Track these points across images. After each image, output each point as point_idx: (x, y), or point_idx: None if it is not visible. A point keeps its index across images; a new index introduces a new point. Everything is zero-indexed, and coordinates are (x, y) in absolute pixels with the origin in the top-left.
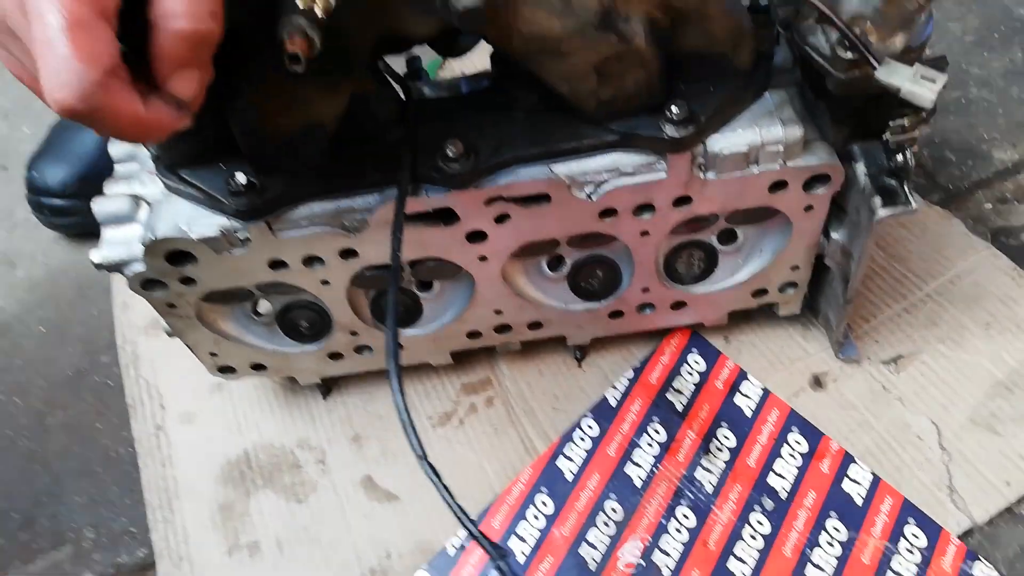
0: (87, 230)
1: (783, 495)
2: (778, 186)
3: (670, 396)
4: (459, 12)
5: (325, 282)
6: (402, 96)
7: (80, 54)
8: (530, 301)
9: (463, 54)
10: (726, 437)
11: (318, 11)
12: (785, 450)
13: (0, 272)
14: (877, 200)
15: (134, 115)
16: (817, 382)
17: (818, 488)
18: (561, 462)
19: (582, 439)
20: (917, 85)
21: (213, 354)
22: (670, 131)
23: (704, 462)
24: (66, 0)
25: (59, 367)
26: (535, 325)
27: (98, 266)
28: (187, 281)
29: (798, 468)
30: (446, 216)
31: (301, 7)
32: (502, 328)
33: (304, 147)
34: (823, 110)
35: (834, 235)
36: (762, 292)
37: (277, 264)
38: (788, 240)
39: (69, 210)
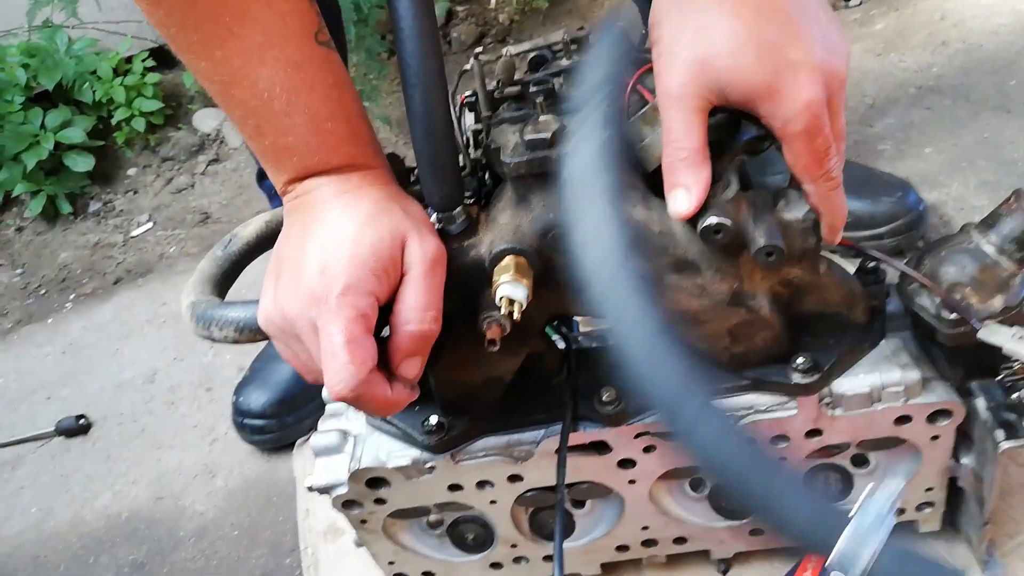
0: (279, 444)
1: None
2: (903, 420)
3: None
4: None
5: (493, 501)
6: (562, 348)
7: (354, 361)
8: (675, 518)
9: None
10: None
11: (516, 315)
12: None
13: (201, 481)
14: (1000, 433)
15: (384, 398)
16: None
17: None
18: None
19: None
20: (1018, 344)
21: (391, 563)
22: (797, 378)
23: None
24: (346, 323)
25: (248, 568)
26: (680, 540)
27: (310, 488)
28: (380, 501)
29: None
30: (600, 447)
31: (503, 312)
32: (649, 542)
33: (485, 395)
34: (938, 353)
35: (964, 460)
36: (900, 511)
37: (455, 487)
38: (919, 465)
39: (266, 428)
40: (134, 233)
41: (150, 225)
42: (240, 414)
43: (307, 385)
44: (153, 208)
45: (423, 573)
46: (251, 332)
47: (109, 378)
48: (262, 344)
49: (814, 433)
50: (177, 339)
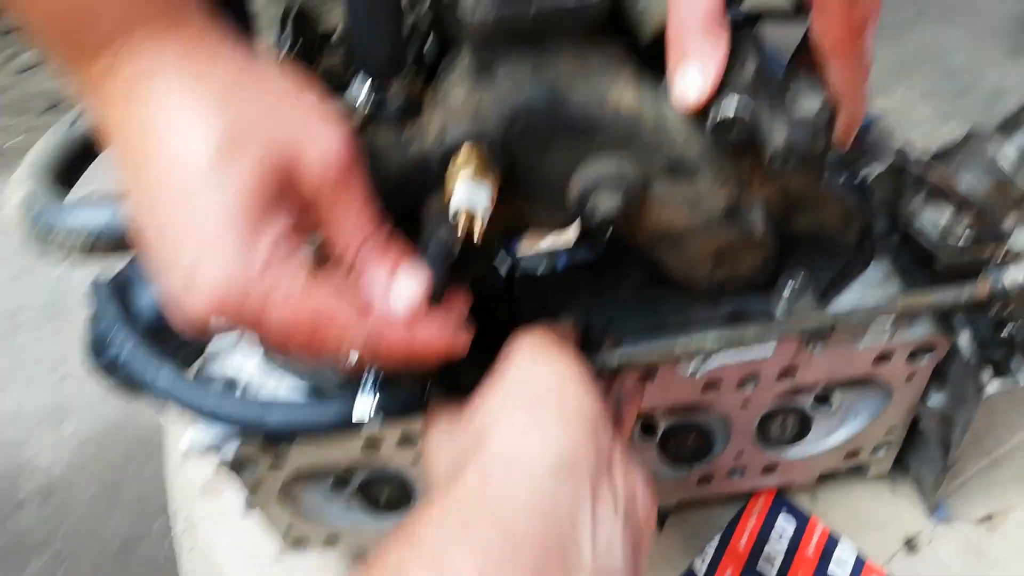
0: None
1: None
2: (883, 358)
3: (761, 567)
4: (598, 220)
5: (418, 459)
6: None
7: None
8: None
9: None
10: None
11: (477, 234)
12: None
13: (47, 427)
14: (986, 375)
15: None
16: (910, 545)
17: None
18: None
19: None
20: None
21: (288, 528)
22: (780, 309)
23: None
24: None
25: (107, 535)
26: None
27: (187, 451)
28: (277, 462)
29: None
30: None
31: (460, 227)
32: None
33: None
34: (922, 280)
35: (932, 401)
36: (854, 454)
37: (372, 444)
38: (886, 406)
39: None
40: None
41: None
42: (98, 344)
43: None
44: None
45: (326, 539)
46: (112, 241)
47: None
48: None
49: (788, 372)
50: (15, 252)
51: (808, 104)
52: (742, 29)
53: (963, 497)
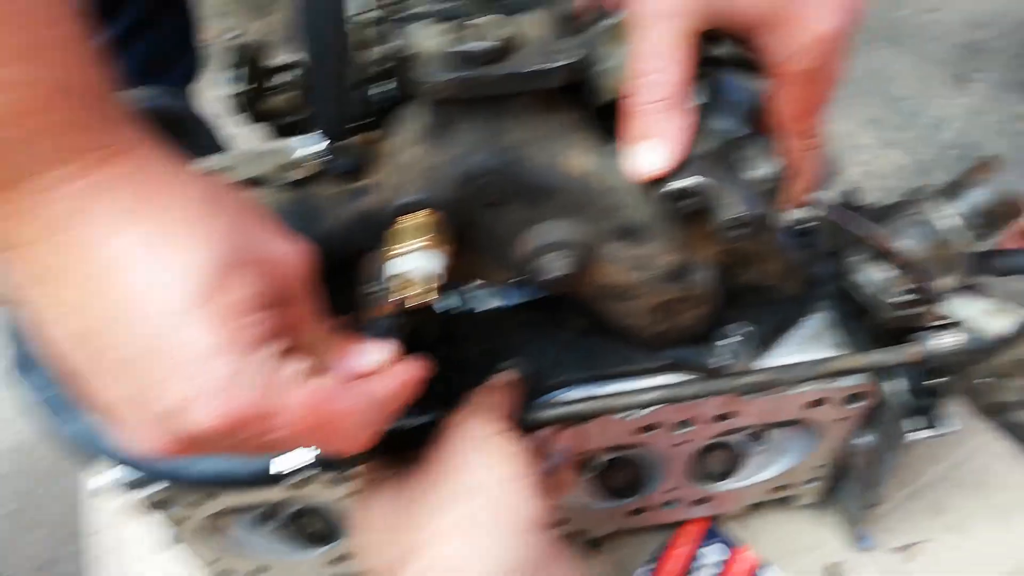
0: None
1: None
2: (816, 403)
3: None
4: (547, 281)
5: (347, 497)
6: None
7: None
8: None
9: None
10: None
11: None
12: None
13: None
14: (910, 422)
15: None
16: (832, 572)
17: None
18: None
19: None
20: (991, 319)
21: (215, 561)
22: (719, 360)
23: None
24: None
25: (24, 556)
26: (556, 524)
27: (95, 492)
28: (203, 498)
29: None
30: None
31: (408, 294)
32: None
33: None
34: (857, 329)
35: (860, 440)
36: (785, 487)
37: (299, 484)
38: (817, 445)
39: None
40: None
41: None
42: (21, 355)
43: None
44: None
45: (255, 568)
46: None
47: None
48: None
49: (724, 417)
50: None
51: (760, 170)
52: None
53: (883, 527)
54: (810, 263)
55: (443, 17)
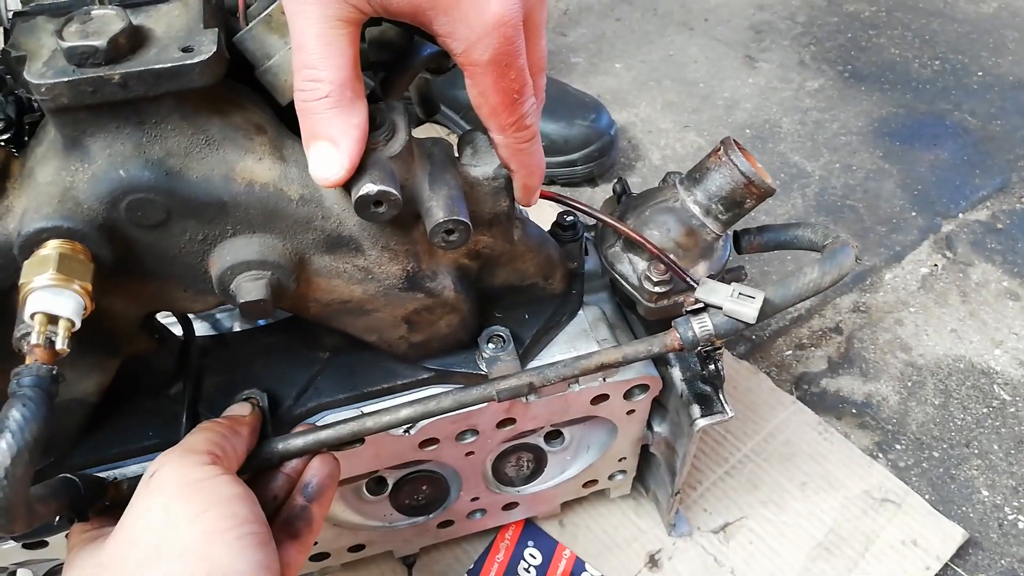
0: None
1: None
2: (600, 399)
3: None
4: (247, 304)
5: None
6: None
7: None
8: (347, 527)
9: None
10: None
11: (61, 342)
12: None
13: None
14: (696, 409)
15: None
16: (653, 561)
17: None
18: None
19: None
20: (738, 304)
21: None
22: (486, 365)
23: None
24: None
25: None
26: (356, 548)
27: None
28: None
29: None
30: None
31: (38, 334)
32: (319, 556)
33: (64, 422)
34: (635, 319)
35: (657, 428)
36: (592, 482)
37: (34, 545)
38: (613, 439)
39: None
40: None
41: None
42: None
43: None
44: None
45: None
46: None
47: None
48: None
49: (507, 422)
50: None
51: (483, 168)
52: (402, 75)
53: (702, 509)
54: (572, 258)
55: (59, 10)
